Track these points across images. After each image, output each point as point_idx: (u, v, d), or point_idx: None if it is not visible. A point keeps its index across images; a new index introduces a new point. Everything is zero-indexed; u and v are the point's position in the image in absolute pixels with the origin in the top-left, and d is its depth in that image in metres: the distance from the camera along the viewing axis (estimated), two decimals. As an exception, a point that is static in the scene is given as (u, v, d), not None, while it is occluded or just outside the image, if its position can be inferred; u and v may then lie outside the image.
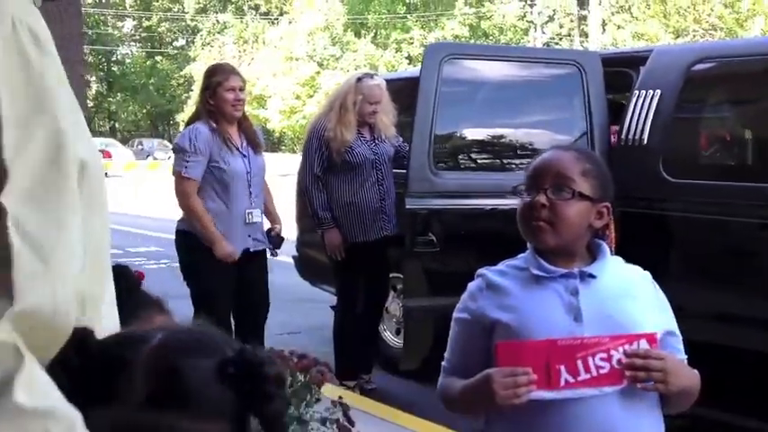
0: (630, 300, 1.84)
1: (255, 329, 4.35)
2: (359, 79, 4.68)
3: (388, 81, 4.90)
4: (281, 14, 41.65)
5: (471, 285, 1.93)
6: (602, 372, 1.70)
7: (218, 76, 4.22)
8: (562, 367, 1.70)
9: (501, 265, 1.93)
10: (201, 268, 4.19)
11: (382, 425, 4.08)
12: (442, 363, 1.97)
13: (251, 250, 4.30)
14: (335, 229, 4.61)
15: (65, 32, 2.19)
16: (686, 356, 1.88)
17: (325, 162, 4.62)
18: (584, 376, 1.70)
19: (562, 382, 1.70)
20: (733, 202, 3.77)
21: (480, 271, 1.94)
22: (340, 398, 2.37)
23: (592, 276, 1.83)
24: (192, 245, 4.20)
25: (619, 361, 1.71)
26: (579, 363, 1.70)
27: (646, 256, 3.83)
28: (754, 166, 4.16)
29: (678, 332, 1.90)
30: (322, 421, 2.24)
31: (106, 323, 1.02)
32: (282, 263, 6.26)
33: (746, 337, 3.66)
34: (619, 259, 1.94)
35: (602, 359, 1.70)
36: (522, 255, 1.92)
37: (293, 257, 6.00)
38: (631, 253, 3.82)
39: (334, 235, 4.60)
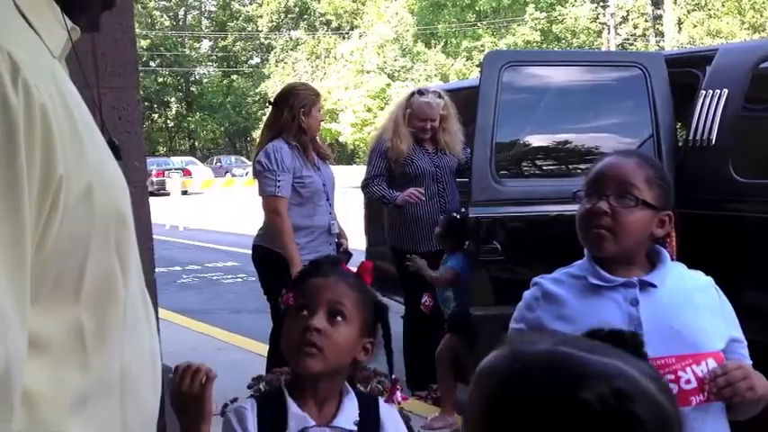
0: (692, 309, 1.79)
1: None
2: (412, 94, 4.80)
3: (448, 91, 4.93)
4: (352, 28, 42.10)
5: (527, 294, 1.89)
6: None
7: (313, 97, 4.37)
8: None
9: (557, 273, 1.90)
10: (284, 282, 4.27)
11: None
12: None
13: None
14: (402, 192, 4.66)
15: (120, 61, 2.31)
16: (752, 362, 1.82)
17: (385, 172, 4.71)
18: None
19: None
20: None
21: (536, 279, 1.90)
22: (401, 408, 2.39)
23: (652, 285, 1.79)
24: (273, 260, 4.29)
25: (687, 381, 1.67)
26: None
27: (715, 258, 3.78)
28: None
29: (743, 338, 1.84)
30: (382, 432, 2.25)
31: None
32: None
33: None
34: (680, 265, 1.89)
35: (668, 381, 1.63)
36: (578, 262, 1.88)
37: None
38: (700, 255, 3.75)
39: (404, 194, 4.64)
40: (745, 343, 1.84)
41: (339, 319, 1.62)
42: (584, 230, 1.81)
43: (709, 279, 1.89)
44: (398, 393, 1.88)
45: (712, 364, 1.69)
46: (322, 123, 4.71)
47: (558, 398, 0.76)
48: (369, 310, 1.68)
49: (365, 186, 4.87)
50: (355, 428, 1.64)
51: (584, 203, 1.81)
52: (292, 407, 1.62)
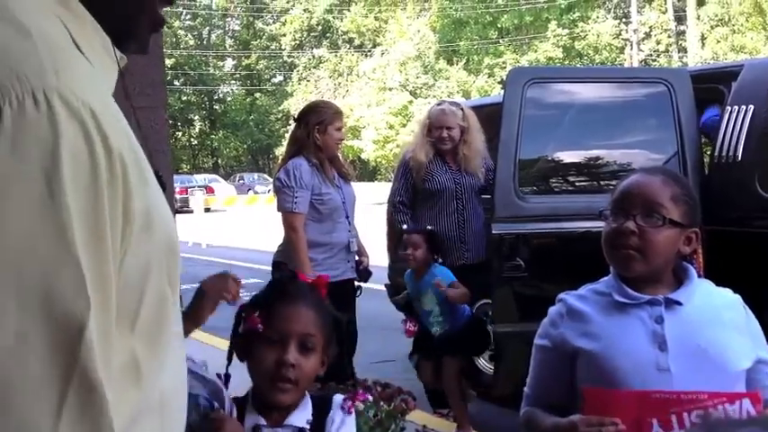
0: (719, 327, 1.76)
1: (348, 357, 4.43)
2: (434, 106, 4.85)
3: (472, 108, 4.94)
4: (375, 46, 42.32)
5: (552, 311, 1.89)
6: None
7: (330, 115, 4.37)
8: (654, 421, 1.61)
9: (582, 290, 1.89)
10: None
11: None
12: (524, 389, 1.95)
13: (351, 278, 4.45)
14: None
15: (148, 80, 2.33)
16: None
17: (410, 189, 4.74)
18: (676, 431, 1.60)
19: None
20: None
21: (561, 296, 1.90)
22: (424, 427, 2.39)
23: (678, 303, 1.77)
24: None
25: None
26: (673, 417, 1.60)
27: (742, 276, 3.73)
28: None
29: None
30: (406, 450, 2.25)
31: None
32: (375, 291, 6.33)
33: None
34: (708, 282, 1.87)
35: (698, 416, 1.59)
36: (603, 279, 1.87)
37: (385, 285, 6.06)
38: (727, 272, 3.71)
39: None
40: None
41: (309, 347, 1.68)
42: (611, 250, 1.80)
43: (737, 297, 1.87)
44: (361, 394, 1.92)
45: (747, 404, 1.63)
46: (344, 141, 4.73)
47: None
48: (329, 327, 1.75)
49: (392, 206, 4.88)
50: (307, 427, 1.69)
51: (611, 222, 1.79)
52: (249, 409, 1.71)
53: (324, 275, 1.89)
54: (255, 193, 30.81)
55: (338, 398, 1.76)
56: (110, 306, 0.86)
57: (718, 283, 1.90)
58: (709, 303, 1.81)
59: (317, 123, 4.33)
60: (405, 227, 4.55)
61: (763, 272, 3.79)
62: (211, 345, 6.57)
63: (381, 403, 2.20)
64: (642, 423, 1.61)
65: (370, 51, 42.32)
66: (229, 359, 1.78)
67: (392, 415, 2.23)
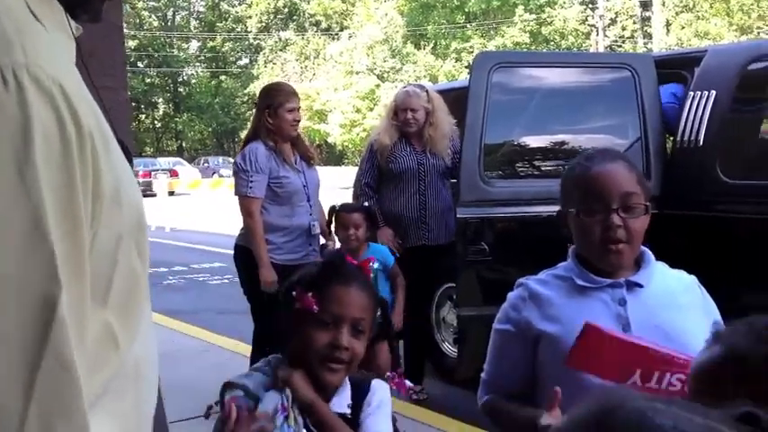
0: (678, 309, 1.79)
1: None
2: (400, 89, 4.88)
3: (439, 92, 4.93)
4: (342, 29, 42.08)
5: (512, 295, 1.88)
6: (671, 389, 1.63)
7: (280, 97, 4.32)
8: (639, 371, 1.64)
9: (541, 275, 1.89)
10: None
11: (423, 429, 4.13)
12: (482, 376, 1.93)
13: (314, 260, 4.42)
14: (385, 226, 4.72)
15: (109, 61, 2.28)
16: None
17: (376, 172, 4.77)
18: (652, 386, 1.63)
19: (629, 383, 1.64)
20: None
21: (521, 280, 1.90)
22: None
23: (639, 285, 1.79)
24: (251, 261, 4.29)
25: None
26: (656, 374, 1.63)
27: (703, 258, 3.78)
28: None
29: None
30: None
31: None
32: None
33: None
34: (663, 265, 1.89)
35: (678, 379, 1.62)
36: (562, 264, 1.88)
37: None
38: (690, 254, 3.75)
39: (384, 232, 4.70)
40: None
41: (360, 329, 1.70)
42: (599, 246, 1.78)
43: (693, 278, 1.90)
44: (403, 381, 1.90)
45: None
46: (309, 124, 4.76)
47: None
48: (374, 310, 1.77)
49: (357, 189, 4.89)
50: (348, 411, 1.70)
51: (590, 217, 1.78)
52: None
53: (369, 258, 1.92)
54: (220, 176, 30.56)
55: (377, 382, 1.77)
56: (84, 282, 0.86)
57: (682, 267, 1.92)
58: (668, 285, 1.83)
59: (267, 107, 4.31)
60: (335, 205, 4.53)
61: (725, 254, 3.85)
62: (176, 329, 6.53)
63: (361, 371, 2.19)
64: (625, 370, 1.63)
65: (337, 34, 42.08)
66: (278, 339, 1.77)
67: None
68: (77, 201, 0.84)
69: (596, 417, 0.76)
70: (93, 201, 0.88)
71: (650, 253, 1.86)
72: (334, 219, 4.34)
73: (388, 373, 1.87)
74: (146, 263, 1.02)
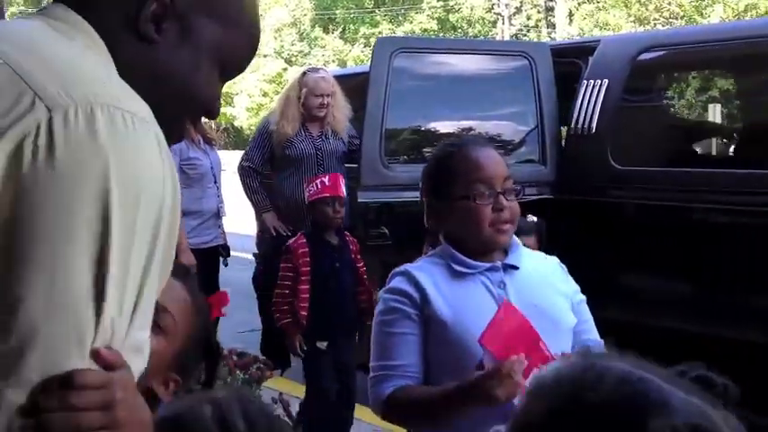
0: (549, 288, 1.89)
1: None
2: (304, 73, 4.77)
3: (341, 77, 4.93)
4: (249, 11, 41.41)
5: (395, 283, 1.89)
6: None
7: None
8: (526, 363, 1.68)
9: (418, 262, 1.94)
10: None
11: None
12: (377, 373, 1.86)
13: (221, 243, 4.43)
14: (272, 211, 4.72)
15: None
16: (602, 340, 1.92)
17: (267, 155, 4.70)
18: (526, 384, 1.65)
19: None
20: (679, 188, 3.83)
21: (401, 268, 1.92)
22: (281, 394, 2.39)
23: (514, 267, 1.86)
24: None
25: None
26: (534, 371, 1.64)
27: (597, 242, 3.91)
28: (698, 151, 4.24)
29: (587, 310, 1.97)
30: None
31: None
32: (243, 259, 6.26)
33: (693, 321, 3.71)
34: (526, 248, 1.97)
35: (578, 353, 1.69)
36: (435, 250, 1.94)
37: (253, 254, 6.00)
38: (582, 238, 3.86)
39: (271, 216, 4.70)
40: (590, 317, 1.97)
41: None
42: (491, 228, 1.84)
43: (555, 258, 2.01)
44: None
45: None
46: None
47: (630, 417, 0.72)
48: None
49: (243, 172, 4.81)
50: None
51: (482, 202, 1.83)
52: None
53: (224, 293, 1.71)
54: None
55: None
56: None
57: (576, 249, 2.01)
58: (536, 266, 1.93)
59: None
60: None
61: (615, 238, 3.99)
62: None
63: (238, 372, 2.18)
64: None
65: (244, 16, 41.41)
66: None
67: (248, 382, 2.22)
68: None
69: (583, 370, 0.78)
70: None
71: (515, 236, 1.93)
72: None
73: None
74: None
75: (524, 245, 2.42)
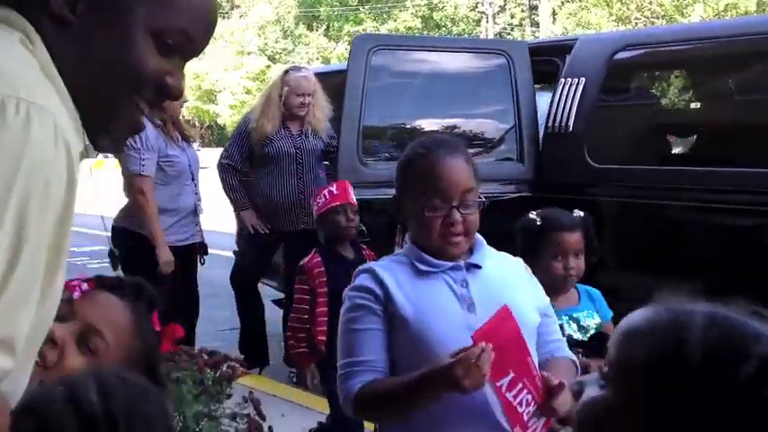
0: (512, 287, 1.89)
1: (190, 323, 4.40)
2: (286, 72, 4.76)
3: (321, 74, 4.92)
4: (233, 8, 41.29)
5: (360, 281, 1.89)
6: (523, 409, 1.71)
7: None
8: (511, 375, 1.70)
9: (383, 261, 1.95)
10: (147, 265, 4.13)
11: (301, 411, 4.19)
12: (345, 370, 1.85)
13: (199, 241, 4.46)
14: (250, 209, 4.73)
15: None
16: (564, 338, 1.96)
17: (246, 153, 4.70)
18: (510, 396, 1.70)
19: (498, 384, 1.69)
20: (655, 185, 3.86)
21: (366, 266, 1.94)
22: (251, 393, 2.39)
23: (477, 267, 1.87)
24: (135, 243, 4.22)
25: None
26: (519, 385, 1.70)
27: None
28: (674, 150, 4.26)
29: (552, 313, 1.99)
30: (232, 417, 2.24)
31: None
32: (223, 257, 6.25)
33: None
34: (490, 247, 1.97)
35: (527, 402, 1.71)
36: (400, 250, 1.94)
37: (233, 252, 5.98)
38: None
39: (250, 214, 4.71)
40: (555, 318, 2.00)
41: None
42: (440, 238, 1.84)
43: (519, 259, 2.02)
44: None
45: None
46: (198, 105, 4.71)
47: (734, 347, 0.79)
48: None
49: (222, 170, 4.79)
50: None
51: (432, 214, 1.82)
52: None
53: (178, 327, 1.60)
54: (105, 157, 29.56)
55: None
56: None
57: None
58: (500, 265, 1.93)
59: None
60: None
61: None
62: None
63: (208, 370, 2.17)
64: (503, 368, 1.69)
65: (227, 13, 41.26)
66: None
67: (218, 381, 2.21)
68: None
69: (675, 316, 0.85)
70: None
71: (480, 236, 1.93)
72: None
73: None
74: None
75: (569, 241, 2.47)
